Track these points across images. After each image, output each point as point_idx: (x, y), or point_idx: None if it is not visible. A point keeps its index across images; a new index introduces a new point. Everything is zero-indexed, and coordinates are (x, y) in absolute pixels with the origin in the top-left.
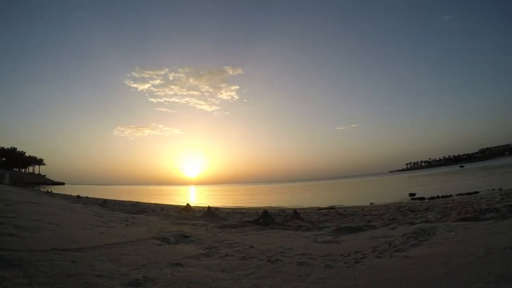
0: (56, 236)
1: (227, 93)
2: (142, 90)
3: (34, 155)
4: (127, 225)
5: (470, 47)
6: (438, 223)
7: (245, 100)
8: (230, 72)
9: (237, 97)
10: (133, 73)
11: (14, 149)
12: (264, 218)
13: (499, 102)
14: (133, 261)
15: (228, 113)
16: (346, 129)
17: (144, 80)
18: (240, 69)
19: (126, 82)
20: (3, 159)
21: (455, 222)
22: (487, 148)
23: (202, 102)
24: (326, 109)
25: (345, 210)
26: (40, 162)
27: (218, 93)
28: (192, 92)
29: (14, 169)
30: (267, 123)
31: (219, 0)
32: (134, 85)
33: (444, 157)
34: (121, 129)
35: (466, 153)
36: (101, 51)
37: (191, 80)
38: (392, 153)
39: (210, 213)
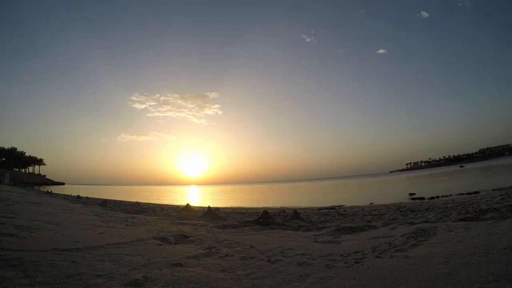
0: (56, 236)
1: (211, 110)
2: (141, 109)
3: (34, 155)
4: (127, 225)
5: (471, 46)
6: (438, 223)
7: (228, 114)
8: (210, 96)
9: (220, 112)
10: (132, 97)
11: (14, 149)
12: (264, 218)
13: (499, 102)
14: (133, 261)
15: (215, 124)
16: (344, 130)
17: (141, 102)
18: (218, 93)
19: (128, 103)
20: (3, 159)
21: (455, 222)
22: (487, 148)
23: (191, 117)
24: (316, 112)
25: (345, 210)
26: (40, 162)
27: (203, 110)
28: (181, 109)
29: (14, 169)
30: (252, 130)
31: (194, 38)
32: (134, 106)
33: (444, 157)
34: (123, 136)
35: (466, 153)
36: (109, 81)
37: (179, 101)
38: (392, 153)
39: (210, 213)
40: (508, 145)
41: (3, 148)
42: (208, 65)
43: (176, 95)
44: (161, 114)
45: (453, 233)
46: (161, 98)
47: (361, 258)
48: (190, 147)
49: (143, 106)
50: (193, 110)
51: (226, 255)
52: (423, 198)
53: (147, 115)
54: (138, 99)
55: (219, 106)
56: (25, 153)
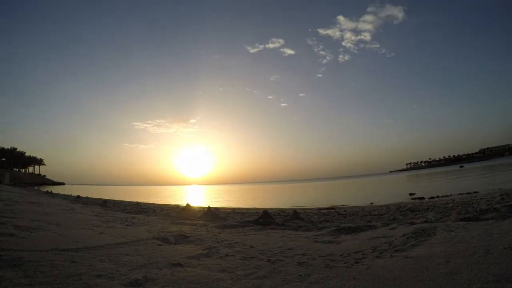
0: (56, 236)
1: (194, 129)
2: (140, 129)
3: (34, 155)
4: (127, 225)
5: (471, 46)
6: (438, 223)
7: (207, 130)
8: (190, 121)
9: (202, 129)
10: (132, 123)
11: (14, 149)
12: (264, 218)
13: (499, 102)
14: (133, 261)
15: (199, 137)
16: (343, 130)
17: (139, 126)
18: (194, 119)
19: (130, 126)
20: (3, 159)
21: (455, 222)
22: (487, 148)
23: (179, 133)
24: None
25: (345, 210)
26: (40, 162)
27: (187, 129)
28: (170, 129)
29: (14, 169)
30: (249, 134)
31: (161, 87)
32: (135, 127)
33: (444, 157)
34: (126, 144)
35: (466, 153)
36: (115, 110)
37: (166, 124)
38: (392, 153)
39: (210, 213)
40: (508, 145)
41: (3, 148)
42: (184, 99)
43: (163, 121)
44: (156, 132)
45: (453, 233)
46: (153, 123)
47: (361, 258)
48: (186, 152)
49: (141, 128)
50: (179, 129)
51: (226, 255)
52: (423, 198)
53: (146, 132)
54: (136, 124)
55: (198, 126)
56: (25, 153)
